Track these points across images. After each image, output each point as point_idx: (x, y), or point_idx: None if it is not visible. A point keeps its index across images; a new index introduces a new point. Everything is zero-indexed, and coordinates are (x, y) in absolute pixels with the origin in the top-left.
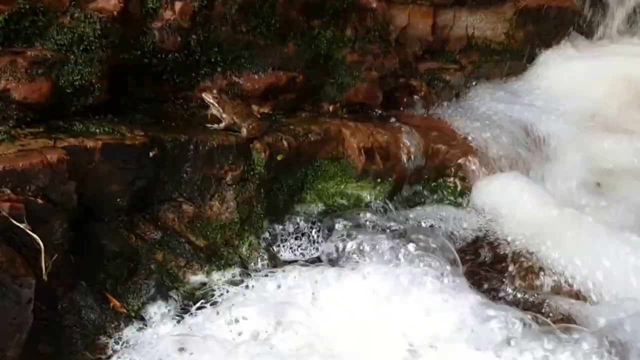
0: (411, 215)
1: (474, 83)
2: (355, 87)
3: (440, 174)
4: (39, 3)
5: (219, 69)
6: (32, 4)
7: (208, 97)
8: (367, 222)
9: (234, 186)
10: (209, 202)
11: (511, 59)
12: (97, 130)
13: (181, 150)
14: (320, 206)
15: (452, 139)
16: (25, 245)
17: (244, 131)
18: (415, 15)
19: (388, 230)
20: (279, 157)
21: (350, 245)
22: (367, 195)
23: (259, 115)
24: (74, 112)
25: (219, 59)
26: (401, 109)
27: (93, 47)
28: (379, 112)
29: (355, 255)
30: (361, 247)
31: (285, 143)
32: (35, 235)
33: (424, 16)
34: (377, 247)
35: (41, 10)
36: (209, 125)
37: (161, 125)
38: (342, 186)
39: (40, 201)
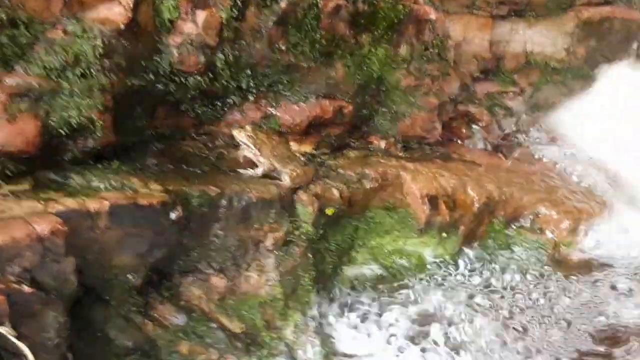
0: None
1: (534, 108)
2: (412, 118)
3: (513, 224)
4: (20, 11)
5: (251, 98)
6: (9, 13)
7: (241, 136)
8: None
9: (275, 251)
10: (245, 273)
11: (572, 78)
12: (102, 185)
13: (210, 208)
14: (375, 268)
15: (526, 180)
16: (6, 349)
17: (287, 179)
18: (472, 27)
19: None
20: (330, 212)
21: None
22: (430, 253)
23: (302, 158)
24: (70, 160)
25: (251, 84)
26: (458, 141)
27: (93, 71)
28: (435, 147)
29: None
30: None
31: (335, 192)
32: (20, 344)
33: (481, 29)
34: None
35: (23, 21)
36: (242, 172)
37: (183, 173)
38: (401, 242)
39: (27, 288)
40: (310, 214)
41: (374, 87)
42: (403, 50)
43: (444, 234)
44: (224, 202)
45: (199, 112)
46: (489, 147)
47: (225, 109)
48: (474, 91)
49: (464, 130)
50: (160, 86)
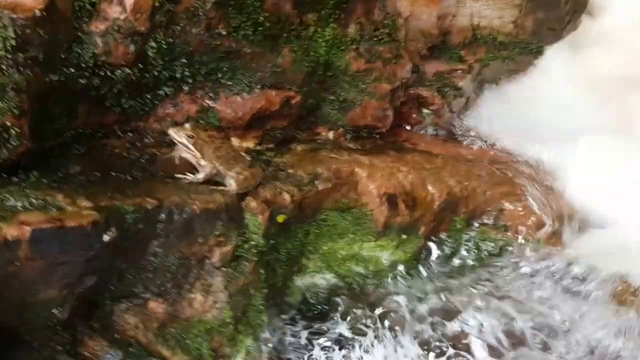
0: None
1: (482, 86)
2: (362, 106)
3: (476, 222)
4: None
5: (186, 89)
6: None
7: (178, 135)
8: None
9: (223, 268)
10: (188, 296)
11: (520, 53)
12: (19, 204)
13: (147, 224)
14: (329, 277)
15: (487, 171)
16: None
17: (233, 184)
18: (419, 2)
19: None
20: (281, 219)
21: None
22: (389, 258)
23: (248, 157)
24: None
25: (186, 74)
26: (407, 127)
27: (5, 68)
28: (386, 136)
29: None
30: None
31: (287, 197)
32: None
33: (428, 4)
34: None
35: None
36: (181, 177)
37: (112, 182)
38: (356, 246)
39: None
40: (260, 224)
41: (321, 73)
42: (352, 30)
43: (404, 236)
44: (162, 216)
45: (126, 106)
46: (440, 132)
47: (156, 102)
48: (424, 72)
49: (414, 116)
50: (82, 81)
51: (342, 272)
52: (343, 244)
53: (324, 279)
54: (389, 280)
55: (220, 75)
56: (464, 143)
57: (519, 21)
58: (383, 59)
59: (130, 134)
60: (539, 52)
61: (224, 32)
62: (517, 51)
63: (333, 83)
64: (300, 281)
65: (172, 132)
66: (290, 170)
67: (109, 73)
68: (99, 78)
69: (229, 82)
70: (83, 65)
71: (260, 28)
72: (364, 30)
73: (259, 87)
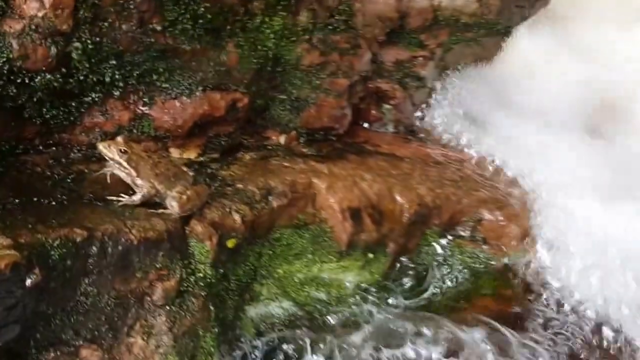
0: None
1: (445, 74)
2: (317, 105)
3: (451, 235)
4: None
5: (117, 94)
6: None
7: (110, 151)
8: None
9: (167, 307)
10: (127, 340)
11: (485, 35)
12: None
13: (76, 259)
14: (286, 305)
15: (460, 175)
16: None
17: (175, 206)
18: None
19: None
20: (231, 243)
21: None
22: (353, 281)
23: (191, 172)
24: None
25: (116, 77)
26: (365, 125)
27: None
28: (343, 137)
29: None
30: None
31: (237, 218)
32: None
33: None
34: None
35: None
36: (114, 200)
37: (33, 210)
38: (316, 268)
39: None
40: (208, 251)
41: (270, 69)
42: (303, 18)
43: (370, 255)
44: (93, 249)
45: (48, 117)
46: (402, 130)
47: (82, 109)
48: (382, 62)
49: (373, 112)
50: None
51: (301, 299)
52: (300, 266)
53: (280, 308)
54: (354, 307)
55: (155, 77)
56: (430, 141)
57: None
58: (339, 50)
59: (54, 148)
60: (506, 34)
61: (158, 28)
62: (482, 32)
63: (283, 80)
64: (254, 311)
65: (102, 147)
66: (239, 185)
67: (27, 80)
68: (15, 86)
69: (165, 85)
70: None
71: (201, 21)
72: (317, 17)
73: (200, 89)
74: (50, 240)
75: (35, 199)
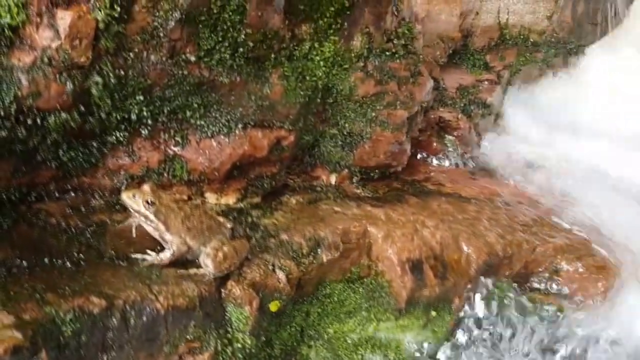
0: None
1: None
2: (373, 140)
3: (525, 287)
4: None
5: (145, 133)
6: None
7: (134, 202)
8: None
9: None
10: None
11: (556, 54)
12: None
13: (93, 334)
14: None
15: (532, 218)
16: None
17: (210, 265)
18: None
19: None
20: (274, 307)
21: None
22: (413, 340)
23: (228, 224)
24: None
25: (144, 114)
26: (427, 157)
27: None
28: (401, 174)
29: None
30: None
31: (281, 276)
32: None
33: (448, 1)
34: None
35: None
36: (138, 258)
37: (43, 274)
38: (371, 327)
39: None
40: (247, 317)
41: (319, 101)
42: (357, 43)
43: (433, 313)
44: (113, 321)
45: (65, 159)
46: (468, 163)
47: (105, 150)
48: (444, 88)
49: (434, 144)
50: (2, 133)
51: None
52: (353, 325)
53: None
54: None
55: (189, 113)
56: (496, 176)
57: (556, 16)
58: (398, 79)
59: (73, 194)
60: (578, 53)
61: (192, 58)
62: (552, 52)
63: (335, 113)
64: None
65: (126, 198)
66: (284, 236)
67: (39, 120)
68: (25, 127)
69: (200, 122)
70: (1, 112)
71: (241, 49)
72: (372, 42)
73: (240, 126)
74: (62, 313)
75: (46, 260)
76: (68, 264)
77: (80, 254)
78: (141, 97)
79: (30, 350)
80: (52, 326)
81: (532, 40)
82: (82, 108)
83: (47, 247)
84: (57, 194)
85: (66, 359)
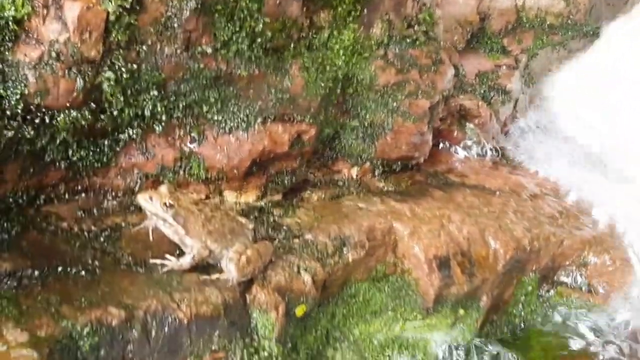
0: None
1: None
2: (394, 131)
3: (552, 280)
4: None
5: (159, 129)
6: None
7: (153, 206)
8: None
9: None
10: None
11: (573, 37)
12: None
13: (112, 347)
14: None
15: (559, 210)
16: None
17: (233, 270)
18: None
19: None
20: (301, 311)
21: None
22: (441, 340)
23: (251, 225)
24: None
25: (158, 109)
26: (449, 147)
27: None
28: (423, 166)
29: None
30: None
31: (307, 278)
32: None
33: None
34: None
35: None
36: (157, 263)
37: (57, 284)
38: (398, 327)
39: None
40: (273, 324)
41: (339, 91)
42: (377, 30)
43: (461, 311)
44: (134, 333)
45: (75, 159)
46: (490, 153)
47: (117, 148)
48: (463, 74)
49: (455, 133)
50: (8, 133)
51: None
52: (379, 325)
53: None
54: None
55: (205, 108)
56: (520, 167)
57: None
58: (419, 67)
59: (84, 195)
60: (594, 35)
61: (208, 50)
62: (569, 35)
63: (355, 104)
64: None
65: (142, 200)
66: (309, 236)
67: (47, 119)
68: (32, 127)
69: (217, 118)
70: (7, 111)
71: (259, 40)
72: (393, 29)
73: (259, 121)
74: (79, 327)
75: (59, 268)
76: (83, 272)
77: (95, 261)
78: (155, 92)
79: None
80: (69, 342)
81: (548, 22)
82: (93, 105)
83: (60, 254)
84: (67, 196)
85: None
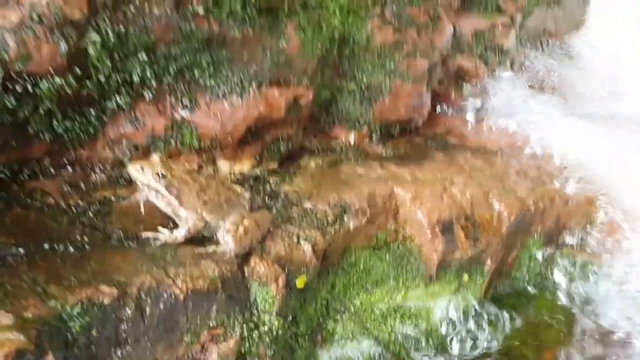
0: None
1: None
2: (392, 93)
3: (556, 243)
4: None
5: (149, 96)
6: None
7: (144, 177)
8: None
9: None
10: None
11: None
12: None
13: (104, 327)
14: (366, 345)
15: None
16: None
17: (230, 241)
18: None
19: None
20: (301, 283)
21: None
22: (444, 308)
23: (247, 194)
24: None
25: (148, 74)
26: (447, 110)
27: None
28: (421, 128)
29: None
30: None
31: (307, 248)
32: None
33: None
34: None
35: None
36: (150, 237)
37: (45, 262)
38: (399, 297)
39: None
40: (273, 297)
41: (336, 53)
42: None
43: (465, 276)
44: (127, 311)
45: (60, 130)
46: (490, 113)
47: (105, 118)
48: (460, 33)
49: (453, 95)
50: None
51: (383, 336)
52: (381, 295)
53: (358, 349)
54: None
55: (197, 73)
56: (520, 125)
57: None
58: (417, 25)
59: (70, 169)
60: None
61: (200, 10)
62: None
63: (352, 65)
64: (328, 355)
65: (134, 170)
66: (308, 204)
67: (29, 87)
68: (14, 96)
69: (210, 82)
70: None
71: (253, 0)
72: None
73: (254, 85)
74: (68, 307)
75: (46, 246)
76: (71, 249)
77: (84, 237)
78: (144, 56)
79: (35, 353)
80: (58, 323)
81: None
82: (78, 71)
83: (46, 232)
84: (52, 170)
85: (75, 357)
